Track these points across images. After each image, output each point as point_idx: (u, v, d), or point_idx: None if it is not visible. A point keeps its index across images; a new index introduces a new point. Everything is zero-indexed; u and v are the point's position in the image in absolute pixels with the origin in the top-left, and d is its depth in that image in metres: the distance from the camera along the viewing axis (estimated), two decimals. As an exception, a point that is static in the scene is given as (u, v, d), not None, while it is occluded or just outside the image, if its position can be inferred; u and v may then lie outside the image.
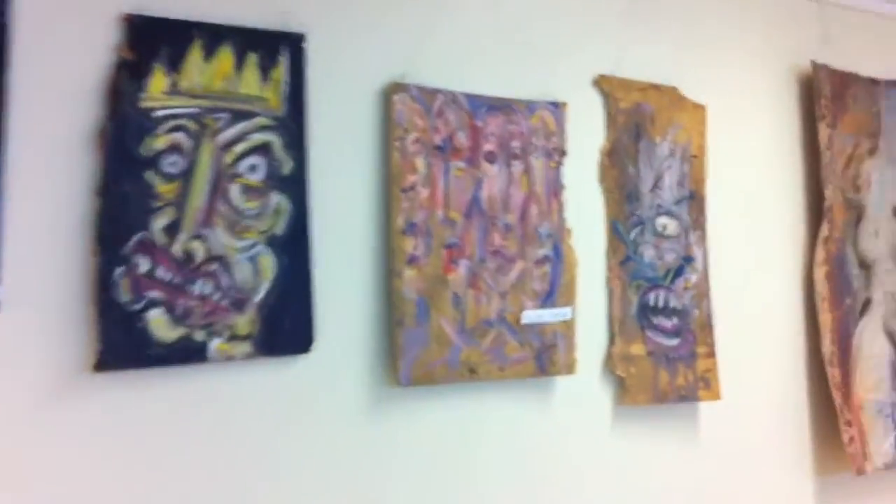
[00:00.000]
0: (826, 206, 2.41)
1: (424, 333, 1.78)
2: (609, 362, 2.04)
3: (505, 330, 1.88)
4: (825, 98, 2.45)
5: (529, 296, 1.92)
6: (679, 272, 2.16)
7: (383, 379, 1.74)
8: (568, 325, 1.96)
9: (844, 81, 2.51)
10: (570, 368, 1.96)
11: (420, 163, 1.81)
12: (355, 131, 1.74)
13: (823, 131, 2.43)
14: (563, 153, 2.00)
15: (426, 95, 1.82)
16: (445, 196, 1.83)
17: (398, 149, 1.78)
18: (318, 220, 1.67)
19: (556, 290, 1.96)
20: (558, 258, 1.97)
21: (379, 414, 1.72)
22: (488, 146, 1.90)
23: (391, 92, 1.78)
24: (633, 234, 2.10)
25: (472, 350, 1.83)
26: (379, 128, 1.77)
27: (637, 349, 2.08)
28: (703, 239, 2.20)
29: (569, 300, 1.97)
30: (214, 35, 1.52)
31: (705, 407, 2.19)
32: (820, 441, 2.39)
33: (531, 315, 1.91)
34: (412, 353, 1.75)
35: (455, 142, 1.86)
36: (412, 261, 1.78)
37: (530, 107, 1.97)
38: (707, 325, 2.19)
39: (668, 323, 2.13)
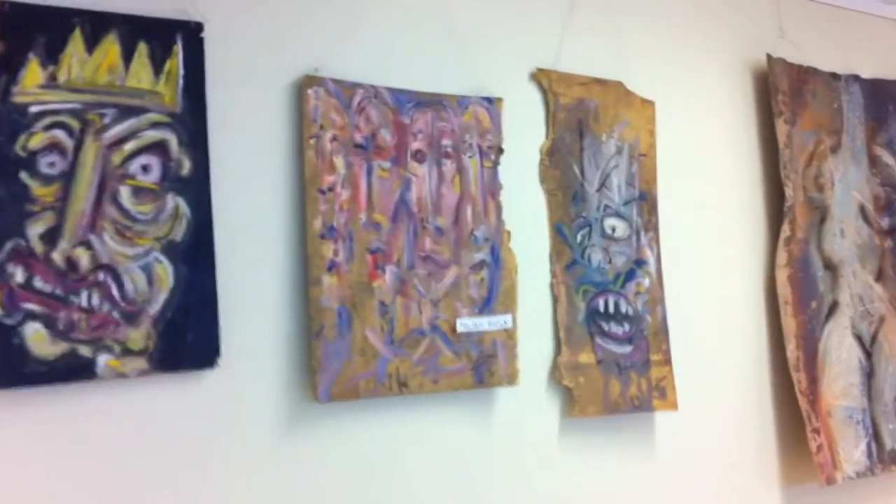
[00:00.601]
0: (787, 206, 2.29)
1: (346, 345, 1.65)
2: (555, 372, 1.91)
3: (439, 339, 1.75)
4: (783, 93, 2.34)
5: (465, 303, 1.80)
6: (630, 276, 2.04)
7: (300, 395, 1.61)
8: (509, 334, 1.83)
9: (803, 76, 2.40)
10: (511, 379, 1.83)
11: (339, 162, 1.69)
12: (264, 129, 1.62)
13: (781, 128, 2.32)
14: (499, 151, 1.88)
15: (344, 90, 1.71)
16: (369, 198, 1.71)
17: (313, 147, 1.66)
18: (223, 225, 1.54)
19: (494, 297, 1.83)
20: (496, 263, 1.84)
21: (295, 434, 1.59)
22: (416, 144, 1.78)
23: (304, 86, 1.66)
24: (579, 237, 1.98)
25: (402, 362, 1.70)
26: (291, 125, 1.65)
27: (586, 358, 1.95)
28: (655, 241, 2.09)
29: (509, 307, 1.84)
30: (98, 23, 1.40)
31: (661, 418, 2.06)
32: (787, 450, 2.27)
33: (468, 323, 1.79)
34: (333, 367, 1.63)
35: (378, 140, 1.74)
36: (332, 267, 1.66)
37: (462, 102, 1.85)
38: (661, 332, 2.06)
39: (620, 329, 2.01)
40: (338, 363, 1.63)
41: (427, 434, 1.74)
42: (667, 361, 2.05)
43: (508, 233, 1.86)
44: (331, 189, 1.67)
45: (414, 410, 1.72)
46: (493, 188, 1.86)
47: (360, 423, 1.66)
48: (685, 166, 2.17)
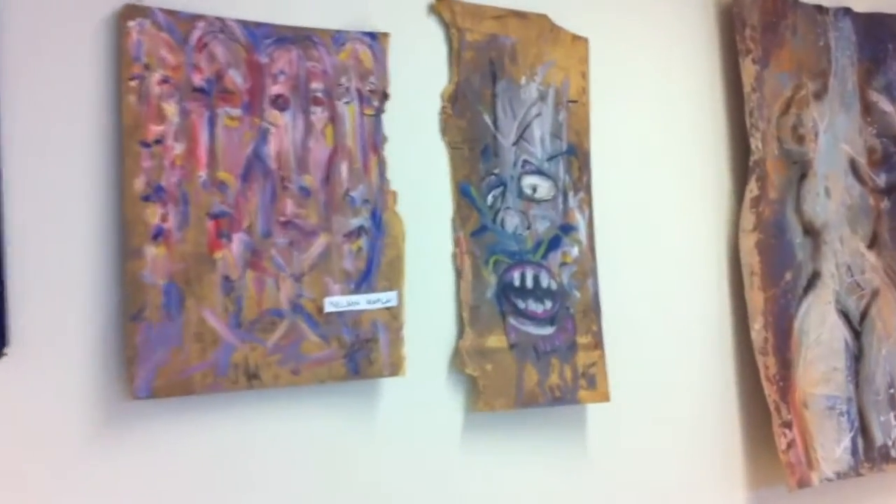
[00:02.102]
0: (753, 161, 1.95)
1: (176, 330, 1.37)
2: (457, 359, 1.62)
3: (302, 322, 1.47)
4: (751, 28, 1.99)
5: (337, 278, 1.51)
6: (554, 244, 1.73)
7: (116, 391, 1.33)
8: (393, 314, 1.54)
9: (779, 8, 2.05)
10: (395, 368, 1.54)
11: (170, 109, 1.40)
12: (70, 70, 1.34)
13: (748, 69, 1.97)
14: (383, 97, 1.58)
15: (180, 23, 1.42)
16: (211, 152, 1.43)
17: (135, 91, 1.37)
18: (15, 185, 1.27)
19: (374, 270, 1.54)
20: (378, 230, 1.55)
21: (106, 437, 1.32)
22: (277, 89, 1.49)
23: (124, 17, 1.37)
24: (489, 199, 1.68)
25: (253, 349, 1.42)
26: (108, 64, 1.37)
27: (495, 341, 1.65)
28: (587, 203, 1.77)
29: (394, 282, 1.55)
30: None
31: (595, 412, 1.75)
32: (755, 447, 1.94)
33: (339, 302, 1.50)
34: (157, 356, 1.35)
35: (226, 83, 1.45)
36: (159, 235, 1.37)
37: (338, 39, 1.55)
38: (592, 310, 1.75)
39: (539, 307, 1.70)
40: (163, 352, 1.35)
41: (285, 436, 1.46)
42: (597, 345, 1.74)
43: (394, 193, 1.56)
44: (158, 141, 1.39)
45: (267, 408, 1.44)
46: (375, 140, 1.56)
47: (194, 424, 1.38)
48: (626, 115, 1.84)
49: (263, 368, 1.43)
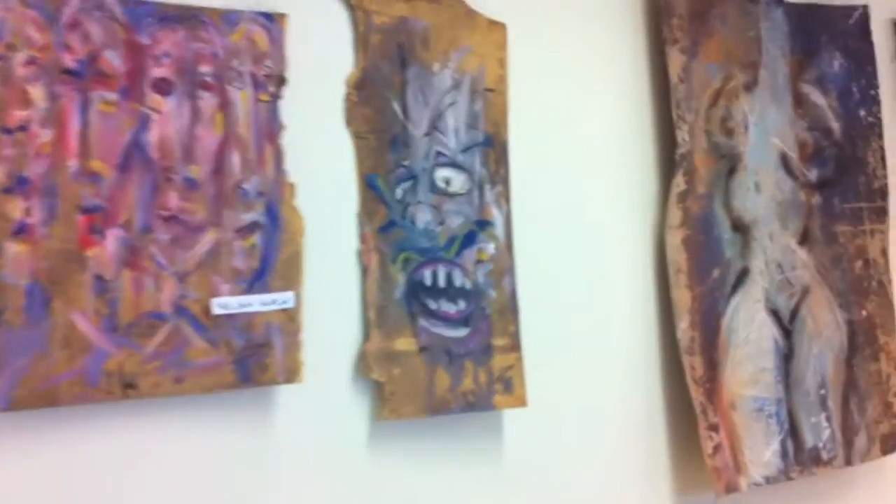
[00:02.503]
0: (680, 154, 1.87)
1: (41, 335, 1.24)
2: (361, 364, 1.51)
3: (186, 325, 1.35)
4: (678, 17, 1.91)
5: (227, 277, 1.39)
6: (469, 241, 1.63)
7: (-29, 402, 1.21)
8: (290, 316, 1.43)
9: (709, -4, 1.98)
10: (291, 375, 1.42)
11: (37, 93, 1.28)
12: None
13: (675, 59, 1.89)
14: (280, 82, 1.46)
15: (48, -2, 1.29)
16: (83, 140, 1.30)
17: (-6, 72, 1.25)
18: None
19: (269, 269, 1.42)
20: (274, 225, 1.43)
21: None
22: (160, 72, 1.37)
23: (-19, -9, 1.25)
24: (399, 192, 1.57)
25: (129, 356, 1.30)
26: (-37, 43, 1.24)
27: (404, 344, 1.54)
28: (505, 197, 1.67)
29: (291, 282, 1.43)
30: None
31: (512, 417, 1.66)
32: (682, 451, 1.86)
33: (229, 303, 1.38)
34: (17, 364, 1.22)
35: (101, 65, 1.32)
36: (21, 231, 1.25)
37: (229, 19, 1.43)
38: (510, 310, 1.65)
39: (453, 308, 1.60)
40: (25, 359, 1.23)
41: (166, 451, 1.34)
42: (515, 347, 1.64)
43: (293, 186, 1.45)
44: (22, 128, 1.26)
45: (146, 420, 1.32)
46: (271, 129, 1.44)
47: (61, 437, 1.26)
48: (547, 104, 1.75)
49: (141, 377, 1.31)
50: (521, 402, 1.63)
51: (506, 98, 1.68)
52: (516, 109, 1.69)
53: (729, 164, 1.96)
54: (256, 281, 1.41)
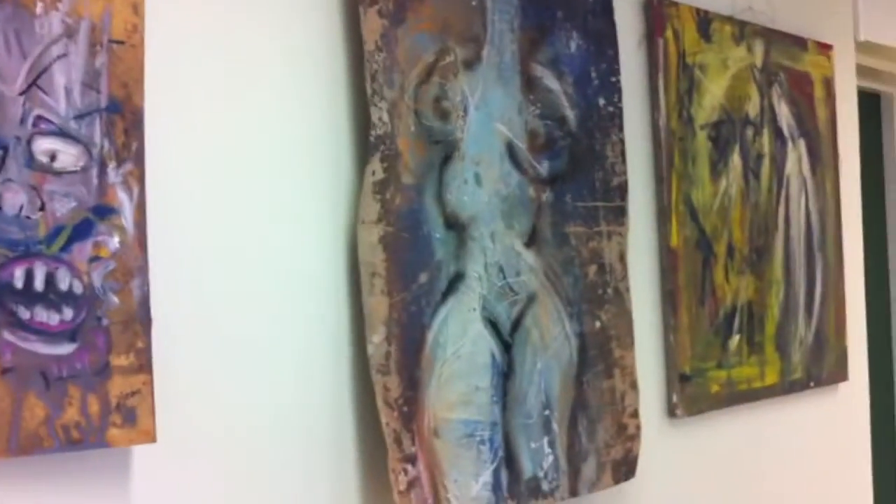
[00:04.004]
0: (376, 136, 1.59)
1: None
2: None
3: None
4: (379, -27, 1.64)
5: None
6: (82, 232, 1.27)
7: None
8: None
9: (421, -44, 1.71)
10: None
11: None
12: None
13: (373, 21, 1.60)
14: None
15: None
16: None
17: None
18: None
19: None
20: None
21: None
22: None
23: None
24: (-21, 167, 1.20)
25: None
26: None
27: (-22, 366, 1.17)
28: (137, 178, 1.32)
29: None
30: None
31: (142, 458, 1.31)
32: (377, 489, 1.58)
33: None
34: None
35: None
36: None
37: None
38: (138, 320, 1.31)
39: (55, 318, 1.24)
40: None
41: None
42: (143, 367, 1.30)
43: None
44: None
45: None
46: None
47: None
48: (204, 66, 1.42)
49: None
50: (149, 437, 1.29)
51: (141, 53, 1.34)
52: (156, 69, 1.34)
53: (444, 151, 1.70)
54: None
